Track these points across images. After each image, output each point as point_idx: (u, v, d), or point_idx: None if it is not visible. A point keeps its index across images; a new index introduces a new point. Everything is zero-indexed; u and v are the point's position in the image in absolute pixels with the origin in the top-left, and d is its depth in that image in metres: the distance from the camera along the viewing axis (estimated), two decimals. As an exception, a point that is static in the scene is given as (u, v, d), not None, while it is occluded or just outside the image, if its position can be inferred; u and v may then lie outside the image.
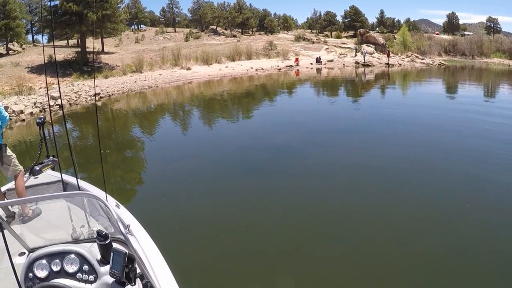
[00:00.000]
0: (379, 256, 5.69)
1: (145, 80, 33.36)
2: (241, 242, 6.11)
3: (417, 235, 6.32)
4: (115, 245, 2.92)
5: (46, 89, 27.75)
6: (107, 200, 3.23)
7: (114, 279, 2.72)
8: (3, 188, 5.30)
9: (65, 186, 5.32)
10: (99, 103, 25.16)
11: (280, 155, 10.91)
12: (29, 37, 53.83)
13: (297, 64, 43.59)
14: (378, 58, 46.46)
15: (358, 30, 61.51)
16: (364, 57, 44.43)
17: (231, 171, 9.82)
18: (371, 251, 5.81)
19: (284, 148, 11.56)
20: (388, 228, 6.52)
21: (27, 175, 5.76)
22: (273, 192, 8.19)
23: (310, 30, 79.63)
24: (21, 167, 5.23)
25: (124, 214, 4.07)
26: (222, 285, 5.05)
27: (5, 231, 2.63)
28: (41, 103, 23.98)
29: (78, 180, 4.73)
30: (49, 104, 6.38)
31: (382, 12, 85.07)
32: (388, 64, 43.00)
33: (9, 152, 5.12)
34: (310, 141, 12.49)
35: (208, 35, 62.23)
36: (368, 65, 42.75)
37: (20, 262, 3.24)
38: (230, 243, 6.05)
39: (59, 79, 28.71)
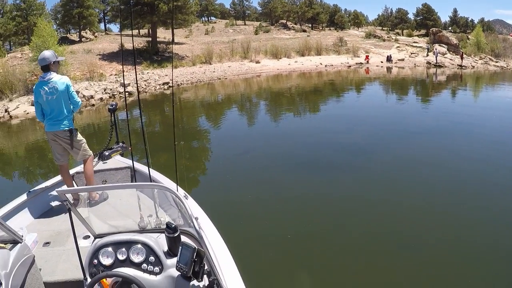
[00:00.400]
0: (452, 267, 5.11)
1: (214, 72, 32.95)
2: (307, 244, 5.77)
3: (498, 252, 5.44)
4: (183, 238, 2.85)
5: (120, 75, 27.71)
6: (177, 191, 3.25)
7: (180, 273, 2.64)
8: (72, 171, 5.43)
9: (134, 173, 5.37)
10: (167, 92, 24.78)
11: (346, 154, 10.44)
12: (102, 25, 55.42)
13: (367, 62, 41.55)
14: (451, 59, 43.08)
15: (431, 29, 57.85)
16: (436, 57, 41.27)
17: (296, 168, 9.37)
18: (439, 261, 5.21)
19: (350, 147, 10.99)
20: (459, 237, 5.89)
21: (96, 159, 5.91)
22: (340, 192, 7.78)
23: (380, 27, 76.62)
24: (91, 152, 5.26)
25: (192, 206, 3.99)
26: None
27: (73, 215, 2.75)
28: (111, 89, 23.85)
29: (150, 169, 4.71)
30: (124, 91, 6.63)
31: (455, 11, 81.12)
32: (461, 65, 39.83)
33: (79, 136, 5.12)
34: (379, 141, 11.73)
35: (278, 29, 61.10)
36: (440, 66, 39.63)
37: (84, 245, 3.54)
38: (295, 244, 5.75)
39: (129, 67, 28.80)
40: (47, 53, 4.91)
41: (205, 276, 2.63)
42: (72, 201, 2.86)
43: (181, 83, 27.62)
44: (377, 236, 5.93)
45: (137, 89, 5.23)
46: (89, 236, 3.74)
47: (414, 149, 10.67)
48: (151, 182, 4.66)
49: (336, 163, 9.61)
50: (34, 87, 4.97)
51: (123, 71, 6.34)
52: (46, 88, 4.78)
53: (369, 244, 5.70)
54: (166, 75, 28.77)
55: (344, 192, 7.74)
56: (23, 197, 4.76)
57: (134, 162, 5.21)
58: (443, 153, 10.21)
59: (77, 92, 20.96)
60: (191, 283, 2.63)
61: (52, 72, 4.86)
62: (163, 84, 26.72)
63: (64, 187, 5.10)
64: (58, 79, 4.85)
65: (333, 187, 8.00)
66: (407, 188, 7.83)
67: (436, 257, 5.22)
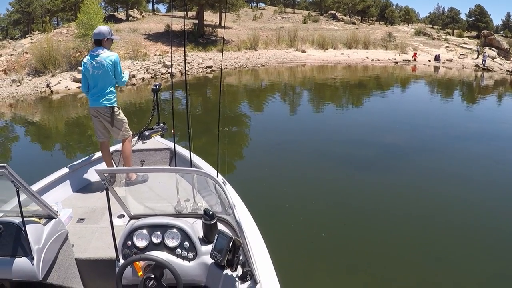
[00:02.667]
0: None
1: (258, 58, 32.37)
2: (341, 242, 5.69)
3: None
4: (219, 226, 2.88)
5: (163, 56, 27.45)
6: (217, 177, 3.25)
7: (214, 261, 2.62)
8: (111, 149, 5.39)
9: (173, 155, 5.42)
10: (210, 76, 24.36)
11: (387, 153, 10.06)
12: (150, 5, 55.41)
13: (415, 60, 39.67)
14: (500, 64, 40.72)
15: (482, 32, 55.15)
16: (484, 61, 39.08)
17: (334, 164, 9.14)
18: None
19: (391, 147, 10.59)
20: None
21: (135, 139, 5.91)
22: (379, 193, 7.49)
23: (431, 26, 73.86)
24: (130, 132, 5.19)
25: (231, 194, 3.83)
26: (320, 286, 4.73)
27: (110, 194, 2.71)
28: (153, 69, 23.58)
29: (191, 153, 4.67)
30: (171, 72, 5.94)
31: (508, 15, 76.30)
32: (510, 71, 37.40)
33: (121, 115, 5.05)
34: (419, 143, 11.18)
35: (327, 20, 59.57)
36: (488, 70, 37.28)
37: (118, 224, 3.61)
38: (330, 243, 5.64)
39: (174, 48, 28.40)
40: (103, 28, 4.86)
41: (239, 266, 2.58)
42: (109, 180, 2.83)
43: (224, 68, 27.16)
44: (414, 240, 5.75)
45: (185, 70, 4.92)
46: (123, 215, 3.82)
47: (455, 155, 10.03)
48: (191, 166, 4.58)
49: (375, 162, 9.29)
50: (83, 59, 4.92)
51: (172, 52, 5.83)
52: (94, 62, 4.73)
53: (403, 249, 5.55)
54: (210, 59, 28.38)
55: (383, 193, 7.49)
56: (62, 171, 4.75)
57: (173, 144, 5.19)
58: (487, 162, 9.47)
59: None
60: (224, 272, 2.63)
61: (103, 48, 4.79)
62: (206, 67, 26.34)
63: (103, 165, 5.14)
64: (106, 56, 4.74)
65: (371, 187, 7.72)
66: (448, 194, 7.41)
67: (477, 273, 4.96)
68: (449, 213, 6.59)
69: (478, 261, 5.19)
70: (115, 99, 4.94)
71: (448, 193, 7.43)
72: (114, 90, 4.96)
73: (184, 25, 7.43)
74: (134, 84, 20.84)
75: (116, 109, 4.93)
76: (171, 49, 6.03)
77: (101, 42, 4.78)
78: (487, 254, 5.36)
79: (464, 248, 5.50)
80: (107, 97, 4.83)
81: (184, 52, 4.95)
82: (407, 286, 4.74)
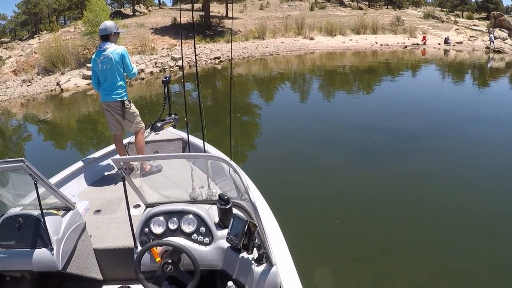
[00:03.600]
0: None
1: (266, 47, 32.07)
2: (354, 227, 5.73)
3: None
4: (234, 210, 2.89)
5: (172, 49, 27.41)
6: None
7: (230, 245, 2.68)
8: (124, 141, 5.45)
9: (186, 145, 5.53)
10: (219, 67, 24.32)
11: (399, 139, 10.02)
12: (156, 0, 55.32)
13: (424, 43, 39.17)
14: (511, 45, 40.11)
15: (492, 13, 54.25)
16: (492, 41, 38.31)
17: (345, 151, 9.17)
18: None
19: (403, 133, 10.46)
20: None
21: (148, 130, 6.07)
22: (391, 179, 7.52)
23: (440, 8, 72.75)
24: (143, 124, 5.25)
25: (245, 179, 3.66)
26: (334, 270, 4.79)
27: (126, 184, 2.79)
28: (161, 63, 23.58)
29: (204, 142, 4.77)
30: (182, 63, 5.86)
31: None
32: None
33: (132, 108, 5.10)
34: (430, 128, 10.93)
35: (334, 6, 58.79)
36: (499, 52, 36.74)
37: (135, 213, 3.57)
38: (343, 228, 5.72)
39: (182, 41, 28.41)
40: (108, 23, 4.94)
41: (254, 249, 2.63)
42: (125, 169, 2.83)
43: (233, 58, 26.91)
44: (427, 226, 5.73)
45: (196, 61, 4.93)
46: (139, 205, 3.95)
47: (470, 141, 9.81)
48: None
49: (388, 149, 9.29)
50: (92, 56, 5.01)
51: (182, 44, 6.01)
52: (102, 57, 4.79)
53: (415, 235, 5.53)
54: (218, 50, 28.25)
55: (397, 179, 7.49)
56: (77, 165, 4.86)
57: (185, 134, 5.30)
58: (501, 149, 9.21)
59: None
60: (241, 255, 2.66)
61: (110, 43, 4.86)
62: (214, 58, 26.27)
63: (117, 157, 4.95)
64: (113, 50, 4.80)
65: (385, 174, 7.72)
66: (461, 183, 7.26)
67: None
68: (467, 201, 6.49)
69: (495, 249, 5.10)
70: (125, 92, 4.99)
71: (466, 180, 7.35)
72: (124, 84, 5.02)
73: (192, 17, 7.50)
74: (143, 78, 20.85)
75: (126, 102, 4.99)
76: (181, 41, 6.18)
77: (108, 36, 4.85)
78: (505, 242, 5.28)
79: (481, 234, 5.46)
80: (117, 91, 4.90)
81: (194, 43, 5.08)
82: (418, 272, 4.75)
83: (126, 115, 5.03)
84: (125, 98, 4.98)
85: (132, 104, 5.11)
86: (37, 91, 19.36)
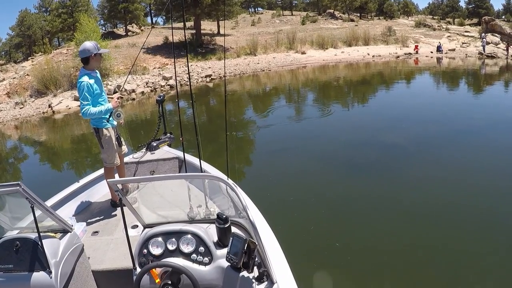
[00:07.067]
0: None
1: (258, 63, 32.27)
2: (354, 246, 5.65)
3: None
4: (233, 229, 2.90)
5: (163, 69, 27.55)
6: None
7: (230, 264, 2.67)
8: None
9: (182, 163, 5.45)
10: (210, 85, 24.47)
11: (396, 153, 9.99)
12: (148, 19, 55.84)
13: (417, 52, 39.30)
14: (504, 50, 40.33)
15: (483, 18, 54.74)
16: (483, 47, 38.54)
17: (342, 167, 9.06)
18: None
19: (393, 147, 10.41)
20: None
21: (143, 150, 6.10)
22: (390, 194, 7.42)
23: (431, 16, 73.51)
24: (112, 163, 4.91)
25: (242, 197, 3.66)
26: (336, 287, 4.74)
27: (123, 205, 2.81)
28: (153, 83, 23.76)
29: (201, 160, 4.79)
30: (176, 81, 6.10)
31: None
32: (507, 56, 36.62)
33: (107, 138, 4.72)
34: (424, 141, 10.87)
35: (325, 19, 59.47)
36: (492, 57, 36.79)
37: (133, 234, 3.58)
38: (344, 246, 5.62)
39: (172, 60, 28.57)
40: (88, 44, 4.50)
41: (255, 267, 2.62)
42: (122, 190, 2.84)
43: (224, 75, 27.18)
44: (424, 242, 5.68)
45: (189, 79, 4.89)
46: (137, 226, 3.95)
47: (463, 152, 9.77)
48: (201, 172, 4.70)
49: (386, 163, 9.17)
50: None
51: (174, 63, 6.25)
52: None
53: (416, 247, 5.53)
54: (209, 68, 28.42)
55: (396, 194, 7.38)
56: (73, 186, 4.85)
57: (182, 153, 5.28)
58: (496, 159, 9.14)
59: (119, 86, 21.12)
60: (241, 274, 2.65)
61: (83, 68, 4.51)
62: (206, 76, 26.39)
63: (116, 177, 5.14)
64: (79, 79, 4.41)
65: (384, 190, 7.59)
66: (453, 194, 7.25)
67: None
68: (463, 210, 6.55)
69: (493, 260, 5.15)
70: (100, 119, 4.63)
71: (463, 189, 7.40)
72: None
73: (185, 35, 7.70)
74: (133, 99, 21.01)
75: (100, 130, 4.65)
76: (174, 59, 6.52)
77: (88, 59, 4.44)
78: (502, 251, 5.32)
79: (481, 245, 5.47)
80: (93, 119, 4.61)
81: (187, 61, 5.19)
82: (420, 283, 4.77)
83: (102, 142, 4.69)
84: (99, 126, 4.63)
85: (109, 133, 4.72)
86: (29, 114, 19.50)
